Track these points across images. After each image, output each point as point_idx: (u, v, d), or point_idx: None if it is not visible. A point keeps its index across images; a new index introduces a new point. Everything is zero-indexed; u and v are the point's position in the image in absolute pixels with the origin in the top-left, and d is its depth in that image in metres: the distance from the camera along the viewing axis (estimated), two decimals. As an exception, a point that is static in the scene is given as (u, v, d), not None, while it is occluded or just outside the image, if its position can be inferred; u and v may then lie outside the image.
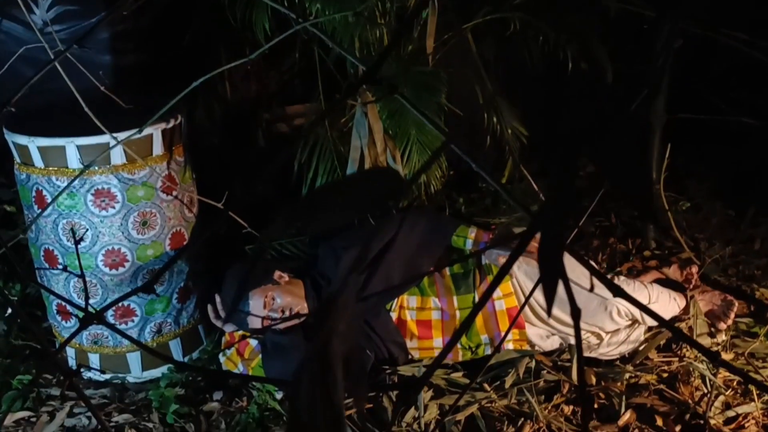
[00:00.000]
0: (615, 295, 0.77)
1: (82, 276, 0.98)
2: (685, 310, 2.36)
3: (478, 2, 2.68)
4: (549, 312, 0.52)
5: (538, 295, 2.25)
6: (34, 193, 2.11)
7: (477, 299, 2.24)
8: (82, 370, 1.99)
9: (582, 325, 2.25)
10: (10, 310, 2.32)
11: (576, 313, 0.53)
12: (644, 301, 2.28)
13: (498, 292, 2.24)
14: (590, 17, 2.68)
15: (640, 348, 2.27)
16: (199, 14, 2.85)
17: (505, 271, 0.59)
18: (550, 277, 0.42)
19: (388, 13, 2.50)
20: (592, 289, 1.97)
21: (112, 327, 0.81)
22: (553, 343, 2.29)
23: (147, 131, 2.07)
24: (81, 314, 0.84)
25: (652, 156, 2.81)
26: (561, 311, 2.22)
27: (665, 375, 2.19)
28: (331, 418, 0.42)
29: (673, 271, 2.58)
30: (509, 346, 2.24)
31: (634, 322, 2.27)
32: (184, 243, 2.24)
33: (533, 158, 2.93)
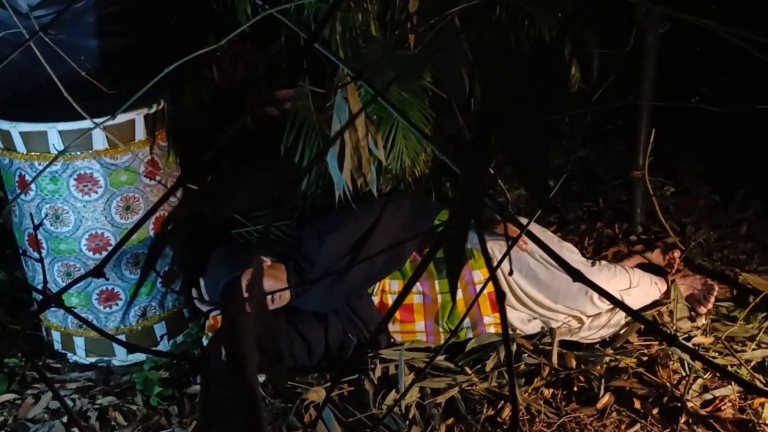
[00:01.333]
0: (574, 280, 0.78)
1: (41, 260, 0.99)
2: (666, 294, 2.38)
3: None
4: (453, 296, 0.53)
5: (520, 280, 2.27)
6: (17, 178, 2.12)
7: (459, 283, 2.26)
8: (67, 353, 2.01)
9: (564, 309, 2.28)
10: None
11: (500, 297, 0.54)
12: (625, 285, 2.29)
13: (480, 277, 2.25)
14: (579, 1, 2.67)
15: (621, 332, 2.29)
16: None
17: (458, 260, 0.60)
18: (454, 260, 0.43)
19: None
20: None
21: (70, 311, 0.83)
22: (534, 327, 2.31)
23: (129, 116, 2.07)
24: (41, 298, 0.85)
25: (639, 140, 2.82)
26: (542, 294, 2.24)
27: (645, 359, 2.21)
28: (244, 395, 0.44)
29: (656, 256, 2.59)
30: (490, 329, 2.26)
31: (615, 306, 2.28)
32: (169, 227, 2.25)
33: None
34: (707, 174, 3.29)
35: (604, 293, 0.87)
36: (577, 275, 0.80)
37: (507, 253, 2.07)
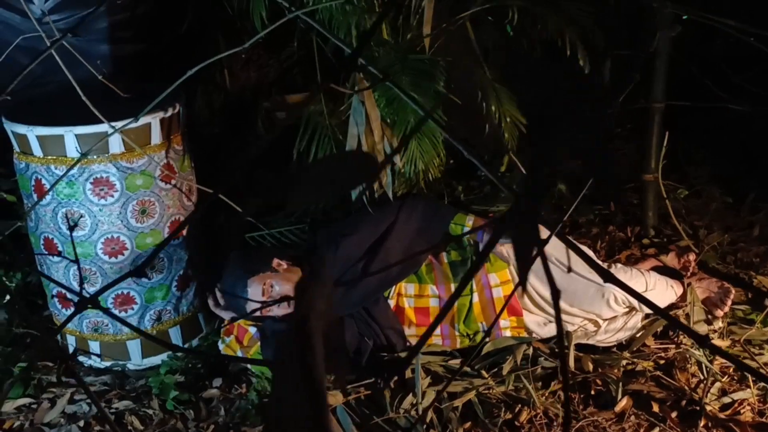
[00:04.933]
0: (606, 281, 0.77)
1: (76, 261, 0.99)
2: (683, 297, 2.37)
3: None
4: (523, 286, 0.53)
5: (536, 283, 2.26)
6: (33, 182, 2.12)
7: (474, 286, 2.25)
8: (81, 355, 2.01)
9: (579, 312, 2.27)
10: (8, 297, 2.33)
11: (555, 294, 0.54)
12: (641, 288, 2.29)
13: (496, 280, 2.25)
14: (589, 4, 2.67)
15: (638, 335, 2.28)
16: (196, 2, 2.85)
17: (485, 254, 0.59)
18: (524, 253, 0.43)
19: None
20: (569, 270, 1.98)
21: (107, 312, 0.82)
22: (550, 330, 2.30)
23: (145, 120, 2.07)
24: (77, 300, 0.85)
25: (651, 143, 2.81)
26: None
27: (662, 362, 2.20)
28: (312, 394, 0.43)
29: (670, 259, 2.58)
30: (507, 333, 2.25)
31: (632, 309, 2.28)
32: (183, 231, 2.25)
33: (532, 146, 2.93)
34: (719, 176, 3.28)
35: (636, 295, 0.86)
36: (608, 276, 0.80)
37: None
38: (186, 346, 2.35)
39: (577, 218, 3.10)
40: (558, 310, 0.57)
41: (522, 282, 0.46)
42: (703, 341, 0.82)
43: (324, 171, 0.50)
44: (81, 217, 2.06)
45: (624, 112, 3.39)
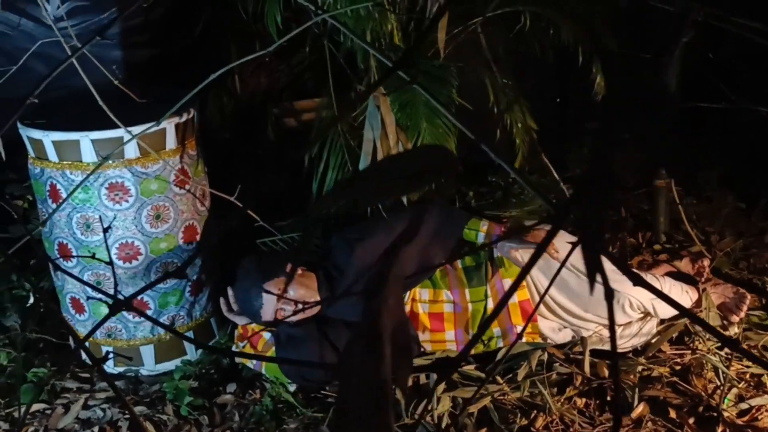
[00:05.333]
0: (635, 284, 0.77)
1: (110, 263, 0.98)
2: (698, 303, 2.36)
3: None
4: (591, 289, 0.52)
5: (551, 288, 2.25)
6: (48, 188, 2.12)
7: (489, 291, 2.25)
8: (110, 356, 2.00)
9: (594, 317, 2.26)
10: (31, 300, 2.33)
11: (609, 293, 0.53)
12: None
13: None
14: (600, 7, 2.68)
15: (653, 341, 2.27)
16: (209, 6, 2.85)
17: (529, 267, 0.59)
18: (593, 260, 0.42)
19: (398, 5, 2.50)
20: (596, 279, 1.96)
21: (142, 313, 0.82)
22: (565, 336, 2.29)
23: (161, 125, 2.07)
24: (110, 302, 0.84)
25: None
26: (572, 303, 2.22)
27: (678, 367, 2.19)
28: (378, 394, 0.43)
29: (684, 264, 2.58)
30: (521, 338, 2.24)
31: (646, 314, 2.27)
32: (197, 236, 2.25)
33: (543, 151, 2.93)
34: (730, 180, 3.27)
35: (665, 297, 0.85)
36: (637, 279, 0.79)
37: (536, 258, 2.06)
38: (199, 352, 2.34)
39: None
40: (612, 313, 0.56)
41: (590, 283, 0.45)
42: (733, 344, 0.82)
43: (395, 168, 0.49)
44: (112, 220, 2.06)
45: (632, 117, 3.39)
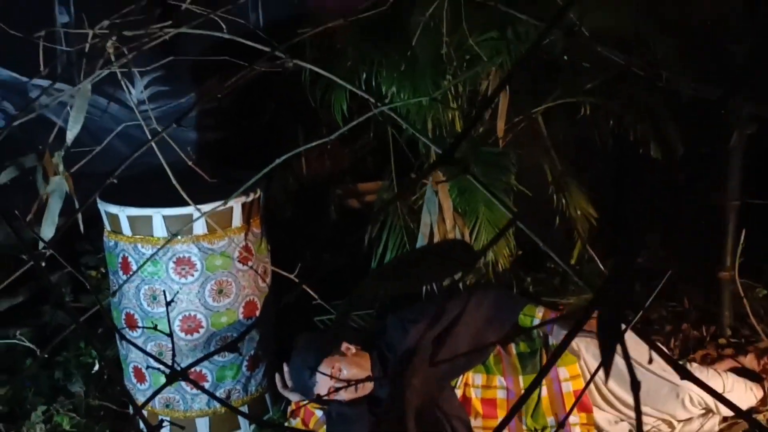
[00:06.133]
0: (682, 378, 0.77)
1: (170, 335, 1.04)
2: (763, 401, 2.28)
3: (548, 85, 2.74)
4: (606, 379, 0.55)
5: (609, 380, 2.21)
6: (120, 260, 2.23)
7: (543, 380, 2.22)
8: (165, 425, 2.04)
9: (652, 411, 2.20)
10: (97, 368, 2.42)
11: (635, 386, 0.55)
12: (718, 389, 2.21)
13: (565, 374, 2.21)
14: (661, 99, 2.70)
15: (715, 439, 2.19)
16: (279, 93, 3.01)
17: (564, 345, 0.61)
18: (608, 345, 0.45)
19: (461, 96, 2.59)
20: (650, 361, 1.92)
21: (197, 385, 0.87)
22: (622, 429, 2.23)
23: (228, 204, 2.17)
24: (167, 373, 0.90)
25: (727, 241, 2.77)
26: (629, 394, 2.17)
27: (742, 468, 2.10)
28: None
29: (749, 360, 2.49)
30: (576, 429, 2.19)
31: (708, 411, 2.19)
32: (257, 311, 2.31)
33: (602, 239, 2.92)
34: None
35: (719, 397, 0.85)
36: (685, 373, 0.79)
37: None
38: (252, 427, 2.37)
39: (648, 314, 3.03)
40: (638, 402, 0.58)
41: (606, 374, 0.48)
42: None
43: (424, 259, 0.53)
44: (175, 294, 2.15)
45: (697, 209, 3.35)
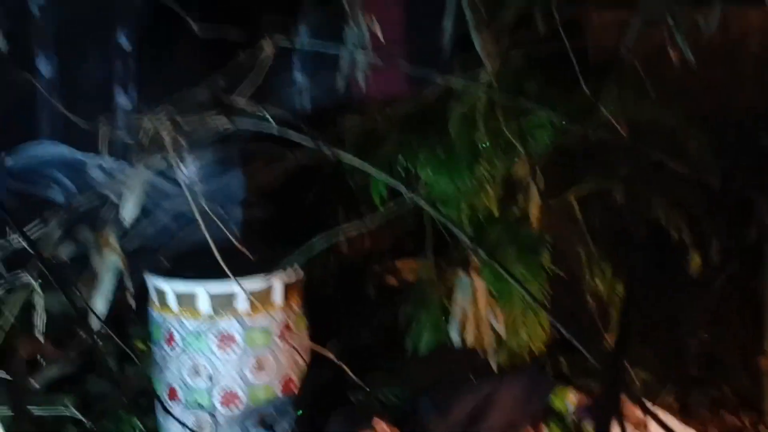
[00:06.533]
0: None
1: (212, 415, 1.10)
2: (803, 494, 2.22)
3: (583, 170, 2.81)
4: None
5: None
6: (166, 333, 2.32)
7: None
8: None
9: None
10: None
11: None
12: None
13: (598, 460, 2.20)
14: (695, 190, 2.74)
15: None
16: (322, 176, 3.13)
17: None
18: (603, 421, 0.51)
19: (495, 181, 2.67)
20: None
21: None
22: None
23: (270, 282, 2.27)
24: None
25: (766, 327, 2.75)
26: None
27: None
28: None
29: (789, 451, 2.44)
30: None
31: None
32: (294, 388, 2.37)
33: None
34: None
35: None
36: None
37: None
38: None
39: (686, 401, 2.99)
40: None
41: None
42: None
43: (433, 363, 0.60)
44: (204, 368, 2.22)
45: (734, 296, 3.33)
